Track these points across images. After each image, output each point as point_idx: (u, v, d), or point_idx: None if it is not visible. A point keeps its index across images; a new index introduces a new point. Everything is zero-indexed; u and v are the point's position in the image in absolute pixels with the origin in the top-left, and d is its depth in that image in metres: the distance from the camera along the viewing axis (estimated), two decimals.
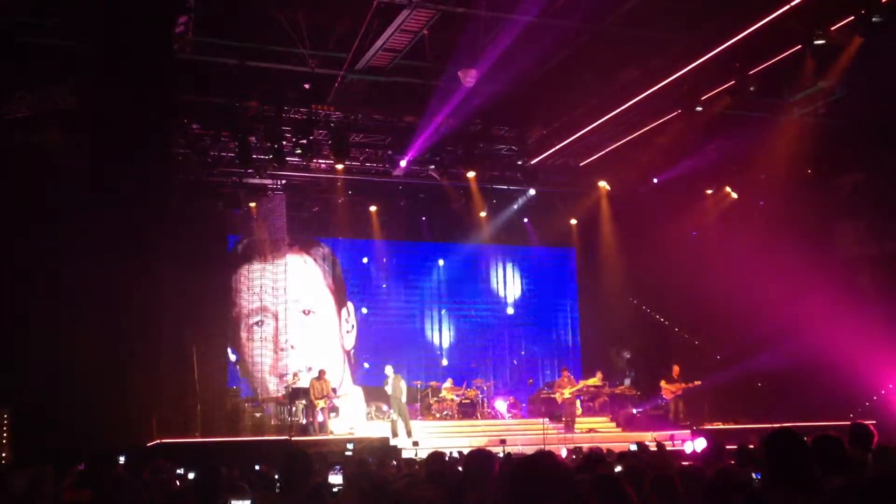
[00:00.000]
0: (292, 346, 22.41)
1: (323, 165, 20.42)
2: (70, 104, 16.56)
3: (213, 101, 17.54)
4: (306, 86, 17.13)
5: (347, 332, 23.77)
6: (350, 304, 23.91)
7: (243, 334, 22.25)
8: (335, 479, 9.34)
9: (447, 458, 9.58)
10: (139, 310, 18.23)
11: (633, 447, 11.75)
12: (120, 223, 17.82)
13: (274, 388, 21.73)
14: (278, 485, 6.68)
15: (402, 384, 20.05)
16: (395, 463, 13.00)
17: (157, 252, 18.53)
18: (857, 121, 18.02)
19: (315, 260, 23.53)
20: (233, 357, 21.85)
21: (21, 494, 6.05)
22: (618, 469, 6.50)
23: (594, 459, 6.64)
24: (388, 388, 19.87)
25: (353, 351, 23.64)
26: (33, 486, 6.11)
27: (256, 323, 22.39)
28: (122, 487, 8.31)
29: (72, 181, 17.08)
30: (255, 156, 19.36)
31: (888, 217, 19.45)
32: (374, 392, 21.77)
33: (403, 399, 19.89)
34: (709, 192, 22.82)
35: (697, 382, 20.71)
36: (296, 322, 22.80)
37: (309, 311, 23.17)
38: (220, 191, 20.56)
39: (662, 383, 21.49)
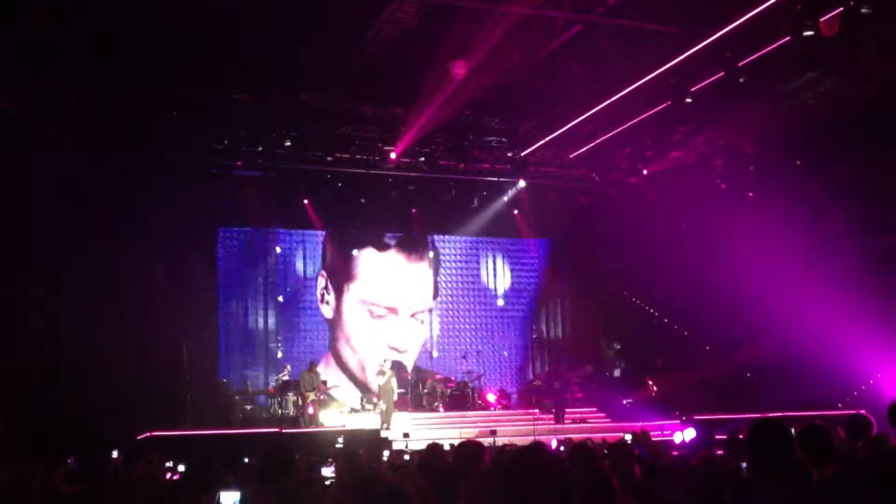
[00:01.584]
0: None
1: (313, 157, 20.36)
2: (58, 97, 16.50)
3: (203, 92, 17.47)
4: (296, 77, 17.07)
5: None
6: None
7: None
8: (327, 471, 9.37)
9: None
10: (129, 302, 18.25)
11: (628, 437, 11.86)
12: (110, 216, 17.84)
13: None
14: (267, 477, 6.69)
15: (395, 380, 20.09)
16: (386, 454, 13.06)
17: (146, 244, 18.56)
18: (847, 112, 18.05)
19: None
20: None
21: (4, 490, 6.04)
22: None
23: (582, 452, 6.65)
24: (381, 381, 19.88)
25: None
26: (17, 483, 6.09)
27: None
28: (115, 480, 8.32)
29: (61, 173, 17.05)
30: (244, 148, 19.33)
31: (877, 208, 19.51)
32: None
33: (395, 394, 19.91)
34: (698, 183, 22.85)
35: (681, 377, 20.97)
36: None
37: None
38: (210, 181, 20.51)
39: (649, 381, 21.64)
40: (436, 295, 24.68)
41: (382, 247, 23.90)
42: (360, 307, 23.48)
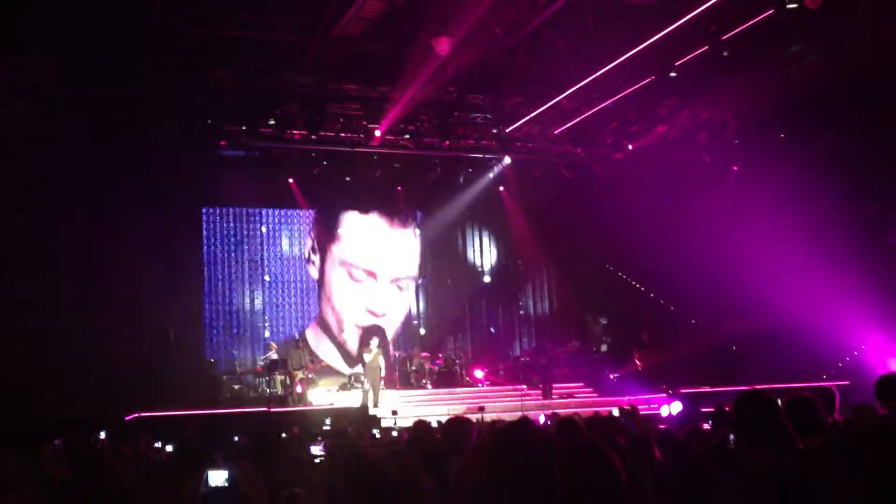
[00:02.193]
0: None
1: (297, 136, 20.27)
2: (40, 76, 16.33)
3: (186, 70, 17.33)
4: (279, 55, 16.96)
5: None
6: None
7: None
8: (317, 450, 9.39)
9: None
10: (114, 284, 18.17)
11: (615, 411, 11.90)
12: (91, 197, 17.73)
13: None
14: (256, 456, 6.70)
15: (382, 358, 20.10)
16: (374, 432, 13.09)
17: (130, 224, 18.46)
18: (831, 84, 18.08)
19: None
20: None
21: None
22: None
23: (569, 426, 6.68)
24: (368, 358, 19.89)
25: None
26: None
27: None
28: (104, 461, 8.32)
29: (37, 152, 16.93)
30: (227, 127, 19.22)
31: (861, 180, 19.58)
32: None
33: (381, 372, 19.93)
34: (683, 157, 22.88)
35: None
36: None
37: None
38: (194, 161, 20.39)
39: (636, 356, 21.76)
40: (423, 270, 24.68)
41: (365, 210, 24.02)
42: (341, 269, 23.60)
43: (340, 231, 23.74)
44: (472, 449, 5.67)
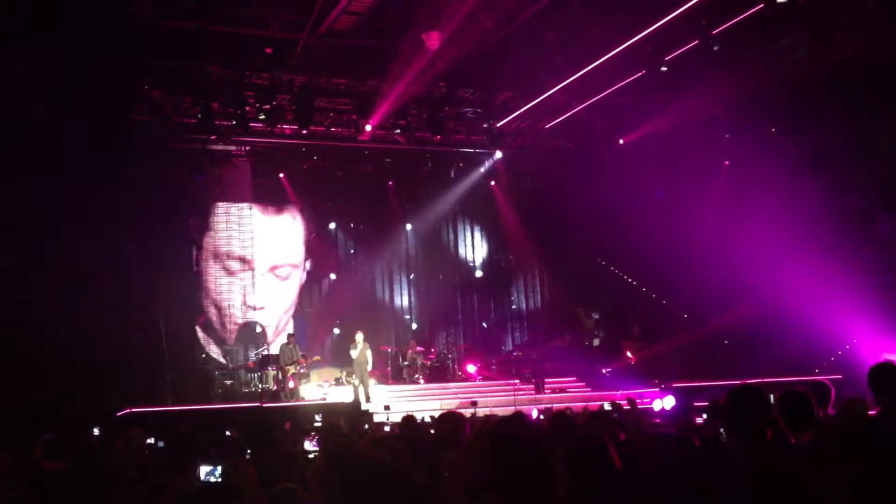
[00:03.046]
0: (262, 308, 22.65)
1: (287, 131, 20.23)
2: (24, 68, 16.23)
3: (174, 65, 17.28)
4: (268, 50, 16.91)
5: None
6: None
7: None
8: (310, 445, 9.39)
9: (419, 421, 9.67)
10: (106, 279, 18.10)
11: (607, 406, 11.90)
12: (83, 193, 17.63)
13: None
14: (248, 451, 6.70)
15: (369, 352, 20.09)
16: (367, 427, 13.07)
17: (121, 220, 18.38)
18: (820, 78, 18.12)
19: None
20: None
21: None
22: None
23: (561, 422, 6.69)
24: (354, 354, 19.89)
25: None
26: None
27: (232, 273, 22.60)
28: (96, 456, 8.29)
29: (26, 147, 16.83)
30: (217, 122, 19.15)
31: (851, 173, 19.64)
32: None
33: (369, 366, 19.93)
34: (674, 151, 22.90)
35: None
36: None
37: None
38: (183, 157, 20.33)
39: (627, 352, 21.82)
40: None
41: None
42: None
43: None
44: (465, 443, 5.67)
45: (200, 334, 21.84)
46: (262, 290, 22.74)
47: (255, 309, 22.45)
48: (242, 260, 22.54)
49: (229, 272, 22.49)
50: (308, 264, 23.89)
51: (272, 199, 22.81)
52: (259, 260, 22.77)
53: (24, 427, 10.88)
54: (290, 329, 22.20)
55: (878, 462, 2.94)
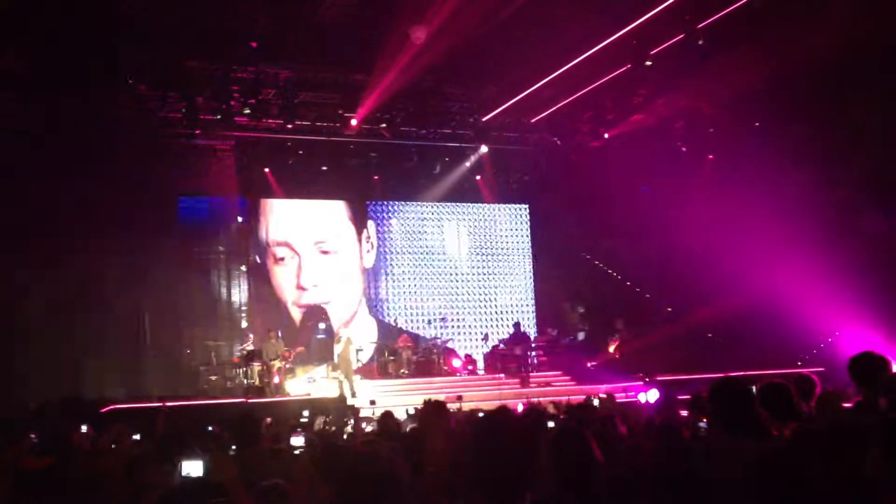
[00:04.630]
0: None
1: (272, 125, 20.16)
2: (7, 64, 16.15)
3: (159, 60, 17.19)
4: (253, 44, 16.85)
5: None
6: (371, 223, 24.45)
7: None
8: (297, 441, 9.36)
9: (402, 416, 9.68)
10: (89, 274, 18.05)
11: (596, 401, 11.97)
12: (68, 187, 17.58)
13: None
14: (233, 447, 6.69)
15: (353, 347, 20.05)
16: (352, 422, 13.09)
17: (105, 215, 18.32)
18: (805, 72, 18.20)
19: None
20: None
21: None
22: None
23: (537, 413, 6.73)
24: (339, 348, 19.85)
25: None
26: None
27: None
28: (80, 454, 8.26)
29: (10, 142, 16.77)
30: (202, 116, 19.07)
31: (835, 166, 19.74)
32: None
33: (353, 362, 19.90)
34: (659, 145, 22.97)
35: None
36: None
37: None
38: (169, 151, 20.24)
39: (611, 346, 21.92)
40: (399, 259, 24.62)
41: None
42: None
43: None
44: (450, 435, 5.68)
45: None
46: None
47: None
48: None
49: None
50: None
51: (260, 191, 22.75)
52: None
53: (6, 425, 10.85)
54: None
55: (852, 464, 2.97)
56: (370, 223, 24.46)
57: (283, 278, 23.17)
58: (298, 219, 23.53)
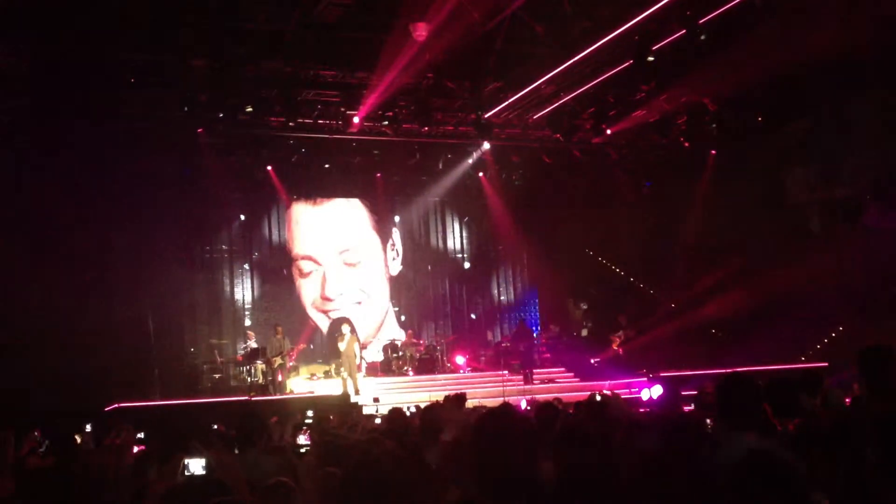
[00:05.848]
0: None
1: (274, 123, 20.13)
2: (6, 64, 16.13)
3: (161, 58, 17.16)
4: (254, 42, 16.83)
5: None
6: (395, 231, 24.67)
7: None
8: (302, 439, 9.39)
9: (408, 414, 9.67)
10: (94, 274, 18.06)
11: (598, 398, 11.94)
12: (70, 187, 17.59)
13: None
14: (236, 445, 6.68)
15: (357, 344, 20.06)
16: (355, 419, 13.08)
17: (108, 214, 18.34)
18: (806, 68, 18.16)
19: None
20: None
21: None
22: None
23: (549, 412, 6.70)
24: (343, 346, 19.87)
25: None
26: None
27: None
28: (83, 452, 8.27)
29: (13, 142, 16.77)
30: (204, 115, 19.03)
31: (837, 163, 19.71)
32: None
33: (357, 359, 19.91)
34: (662, 142, 22.94)
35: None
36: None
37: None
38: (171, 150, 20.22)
39: (615, 342, 21.87)
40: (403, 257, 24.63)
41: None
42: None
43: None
44: (454, 434, 5.67)
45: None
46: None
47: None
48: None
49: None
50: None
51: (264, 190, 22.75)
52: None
53: (11, 423, 10.84)
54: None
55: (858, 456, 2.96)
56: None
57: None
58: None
